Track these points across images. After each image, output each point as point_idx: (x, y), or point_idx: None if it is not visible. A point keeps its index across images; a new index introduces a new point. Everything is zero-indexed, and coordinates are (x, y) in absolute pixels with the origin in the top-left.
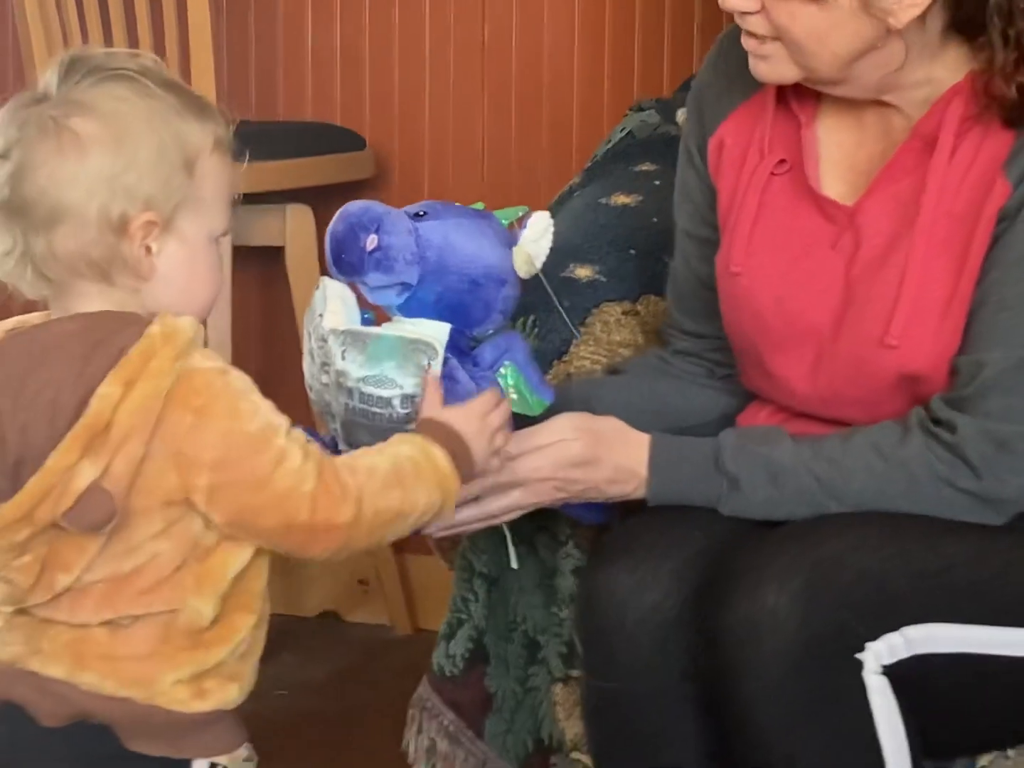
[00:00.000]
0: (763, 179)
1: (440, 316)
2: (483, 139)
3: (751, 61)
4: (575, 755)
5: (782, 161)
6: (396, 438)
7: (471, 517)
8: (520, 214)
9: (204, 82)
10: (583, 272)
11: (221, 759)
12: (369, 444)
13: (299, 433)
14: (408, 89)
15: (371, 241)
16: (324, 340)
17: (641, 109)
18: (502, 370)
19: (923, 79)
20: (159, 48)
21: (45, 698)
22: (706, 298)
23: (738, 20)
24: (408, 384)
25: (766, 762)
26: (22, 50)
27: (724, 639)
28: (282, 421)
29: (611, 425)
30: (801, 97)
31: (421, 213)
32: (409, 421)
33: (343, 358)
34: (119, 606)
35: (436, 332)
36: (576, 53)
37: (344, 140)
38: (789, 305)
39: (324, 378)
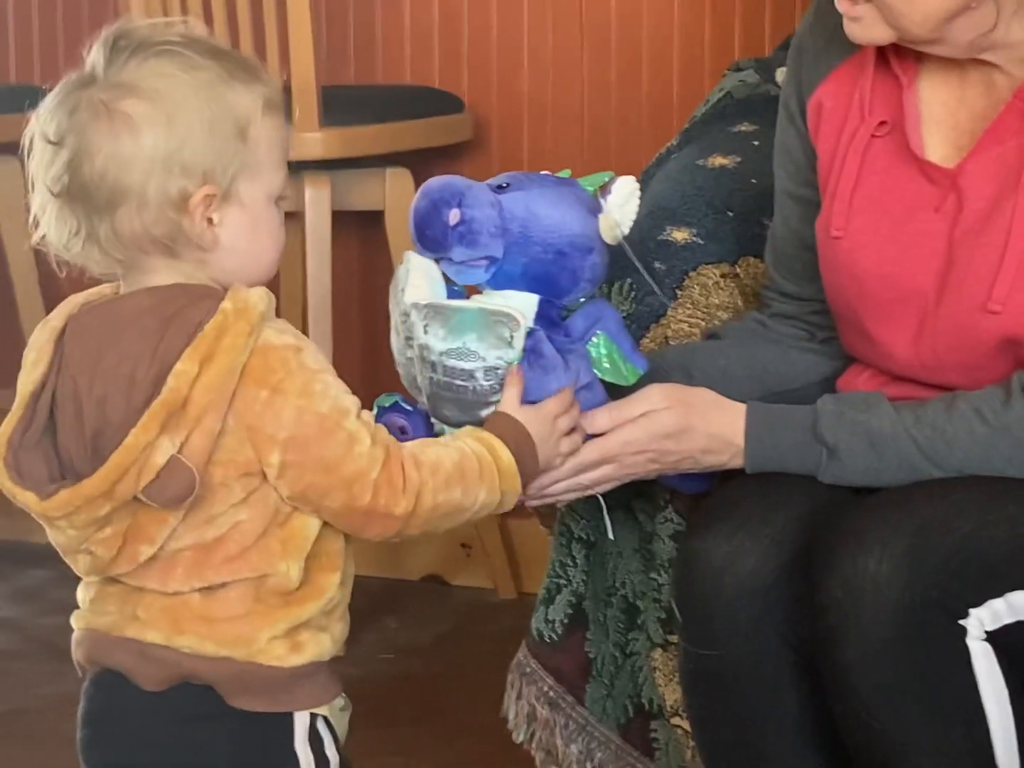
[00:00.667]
0: (864, 141)
1: (527, 287)
2: (582, 101)
3: (845, 23)
4: (675, 720)
5: (883, 123)
6: (466, 431)
7: (564, 488)
8: (606, 179)
9: (303, 47)
10: (680, 235)
11: (320, 710)
12: (455, 417)
13: (369, 416)
14: (506, 51)
15: (454, 215)
16: (407, 314)
17: (739, 69)
18: (594, 339)
19: (1022, 38)
20: (257, 14)
21: (146, 663)
22: (806, 260)
23: None
24: (491, 356)
25: (867, 728)
26: (120, 12)
27: (825, 604)
28: (353, 403)
29: (703, 394)
30: (902, 57)
31: (504, 185)
32: (493, 393)
33: (425, 332)
34: (207, 574)
35: (522, 304)
36: (676, 12)
37: (442, 103)
38: (891, 269)
39: (409, 352)
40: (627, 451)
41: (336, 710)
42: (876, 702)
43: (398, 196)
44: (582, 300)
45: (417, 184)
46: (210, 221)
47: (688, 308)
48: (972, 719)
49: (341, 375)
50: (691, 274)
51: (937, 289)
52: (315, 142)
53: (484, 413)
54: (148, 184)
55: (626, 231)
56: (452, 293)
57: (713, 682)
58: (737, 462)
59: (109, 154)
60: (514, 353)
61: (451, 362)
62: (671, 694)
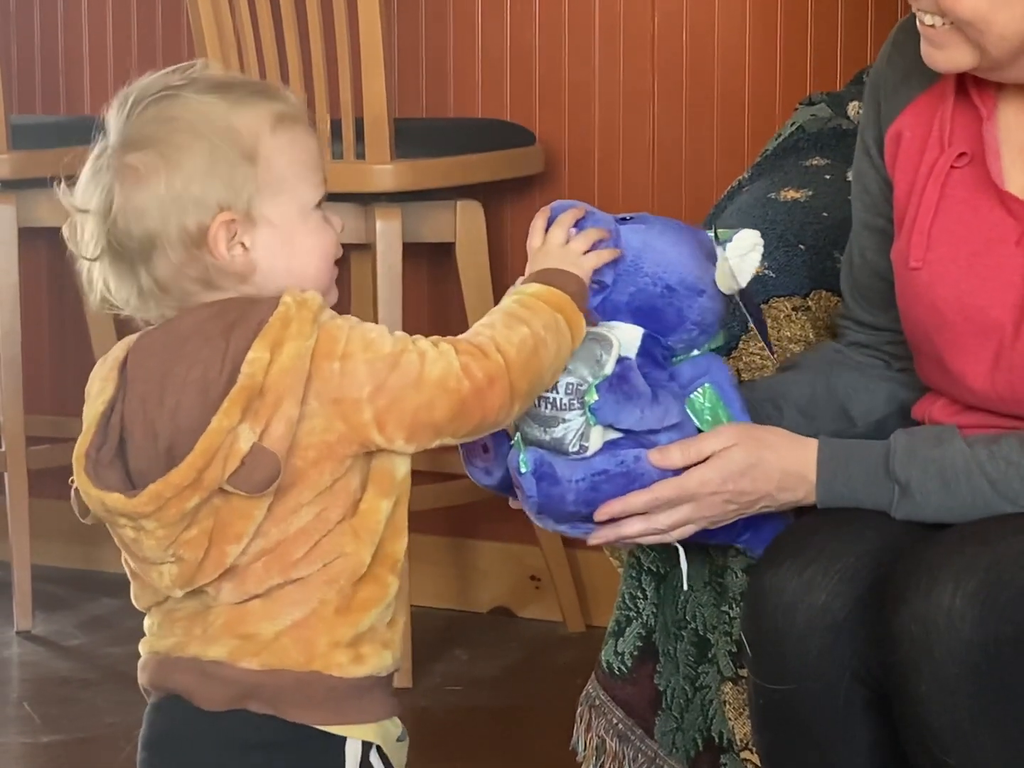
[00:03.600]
0: (943, 172)
1: (633, 319)
2: (653, 133)
3: (926, 51)
4: (745, 755)
5: (962, 154)
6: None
7: (638, 532)
8: (734, 234)
9: (375, 80)
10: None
11: (375, 738)
12: (530, 432)
13: (421, 337)
14: (578, 84)
15: (569, 235)
16: None
17: (812, 103)
18: (699, 390)
19: None
20: (330, 48)
21: (207, 682)
22: (882, 289)
23: (912, 3)
24: (577, 373)
25: (940, 764)
26: (196, 53)
27: (898, 638)
28: (405, 336)
29: (773, 431)
30: (981, 88)
31: (627, 217)
32: (570, 410)
33: None
34: (287, 569)
35: (624, 333)
36: (748, 46)
37: (514, 136)
38: (969, 301)
39: None
40: (704, 491)
41: (392, 740)
42: (948, 737)
43: (468, 228)
44: (695, 352)
45: (488, 216)
46: (244, 247)
47: (760, 341)
48: None
49: None
50: (763, 307)
51: (1015, 322)
52: (386, 174)
53: (558, 431)
54: (168, 226)
55: (743, 283)
56: None
57: (783, 717)
58: (811, 498)
59: (127, 209)
60: (601, 373)
61: None
62: (741, 728)
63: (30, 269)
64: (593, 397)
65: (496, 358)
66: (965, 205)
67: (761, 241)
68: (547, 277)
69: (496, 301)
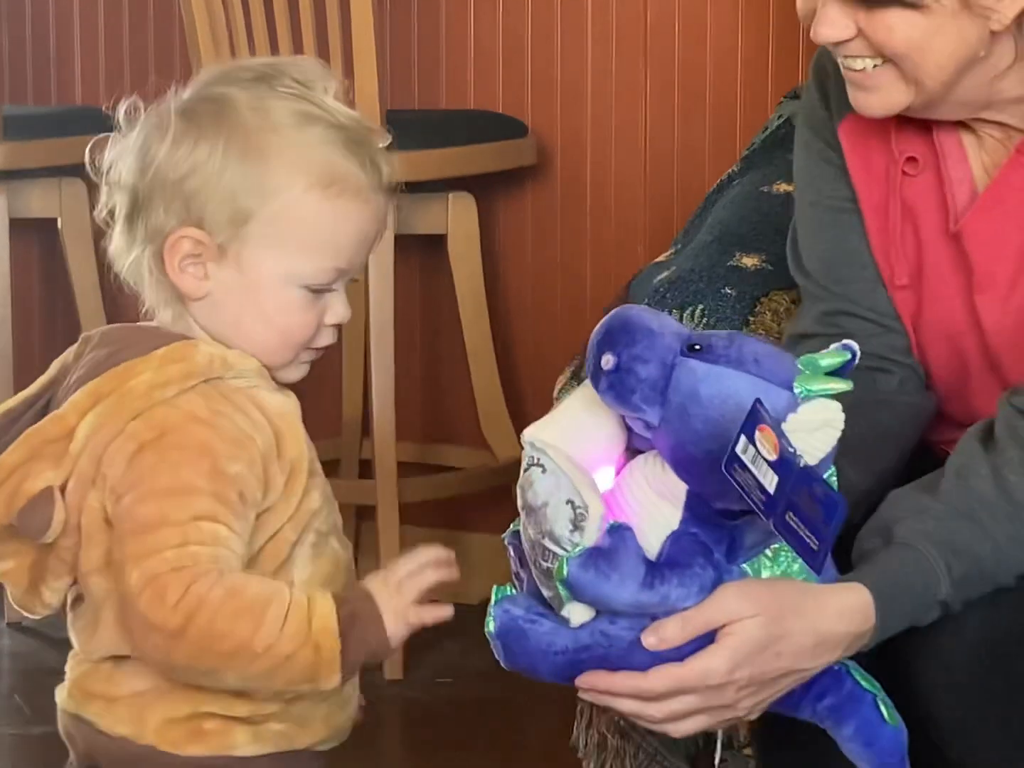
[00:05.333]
0: (897, 179)
1: (676, 471)
2: (645, 126)
3: (857, 97)
4: (747, 751)
5: (911, 159)
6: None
7: (630, 710)
8: (830, 387)
9: (367, 71)
10: (749, 261)
11: None
12: (527, 577)
13: (207, 528)
14: (570, 76)
15: (606, 360)
16: (523, 444)
17: (797, 96)
18: (769, 552)
19: (1021, 93)
20: (322, 39)
21: (72, 736)
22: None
23: (835, 53)
24: (557, 528)
25: (945, 759)
26: (188, 47)
27: (904, 640)
28: (201, 506)
29: (791, 587)
30: None
31: (699, 347)
32: (546, 575)
33: (525, 470)
34: (108, 639)
35: (672, 489)
36: (740, 39)
37: (506, 127)
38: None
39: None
40: (709, 683)
41: None
42: (953, 733)
43: (460, 220)
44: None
45: (480, 208)
46: (205, 272)
47: (761, 333)
48: None
49: (400, 397)
50: (763, 300)
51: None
52: None
53: (548, 591)
54: (151, 201)
55: (809, 462)
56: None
57: (783, 721)
58: (852, 651)
59: (139, 160)
60: (579, 539)
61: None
62: (742, 725)
63: (21, 260)
64: (563, 573)
65: (173, 617)
66: (919, 220)
67: (839, 416)
68: (357, 612)
69: (488, 293)
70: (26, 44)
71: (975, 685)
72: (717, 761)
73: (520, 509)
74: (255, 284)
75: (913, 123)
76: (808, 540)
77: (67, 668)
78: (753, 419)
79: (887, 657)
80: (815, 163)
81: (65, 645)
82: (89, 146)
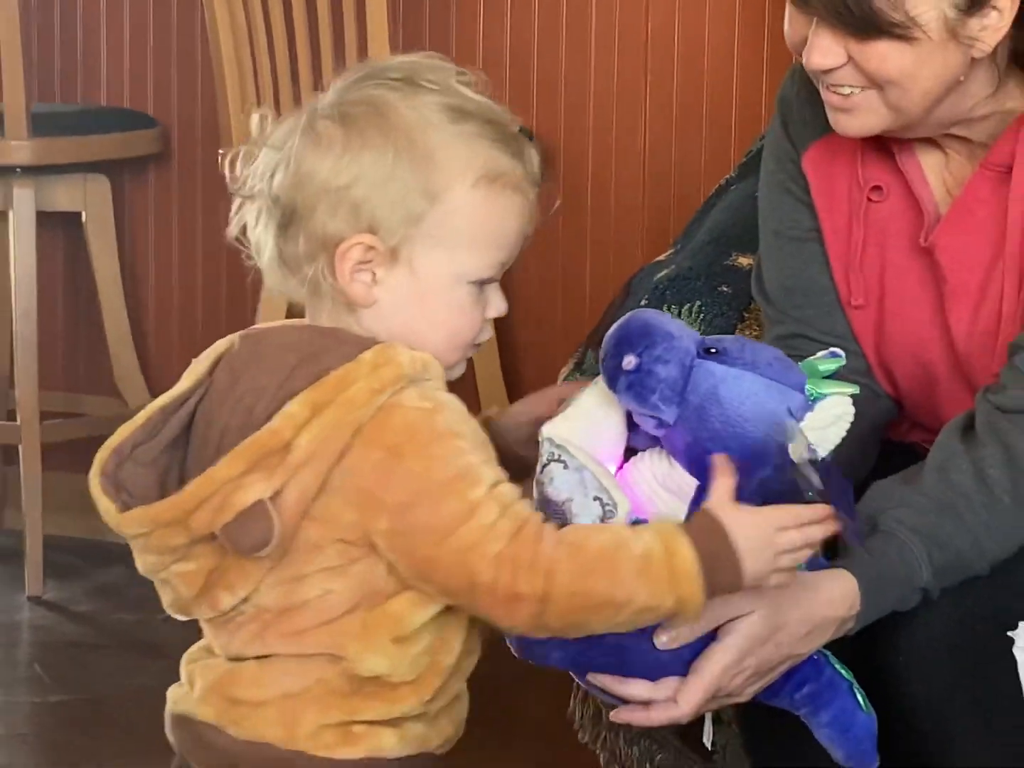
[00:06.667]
0: (862, 207)
1: (688, 467)
2: (645, 132)
3: (837, 119)
4: (734, 726)
5: (876, 187)
6: (652, 523)
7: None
8: (840, 390)
9: None
10: (745, 260)
11: None
12: None
13: (509, 489)
14: (573, 85)
15: (628, 362)
16: (541, 441)
17: None
18: None
19: (991, 111)
20: (339, 46)
21: (198, 747)
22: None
23: (822, 78)
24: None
25: (919, 733)
26: (210, 45)
27: (877, 621)
28: (489, 475)
29: (796, 578)
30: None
31: (715, 350)
32: None
33: (542, 470)
34: (274, 641)
35: (680, 485)
36: (736, 48)
37: None
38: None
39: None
40: (726, 679)
41: None
42: (927, 708)
43: None
44: None
45: None
46: (373, 277)
47: (755, 329)
48: (1018, 728)
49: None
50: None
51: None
52: None
53: None
54: (313, 213)
55: (822, 454)
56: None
57: None
58: (839, 635)
59: (293, 170)
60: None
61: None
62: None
63: (47, 251)
64: None
65: (533, 582)
66: (886, 242)
67: (850, 410)
68: (717, 554)
69: None
70: (54, 46)
71: (945, 665)
72: (709, 740)
73: (537, 503)
74: (426, 286)
75: (876, 152)
76: (852, 524)
77: (188, 672)
78: (790, 425)
79: (861, 638)
80: (778, 194)
81: (82, 619)
82: (227, 159)
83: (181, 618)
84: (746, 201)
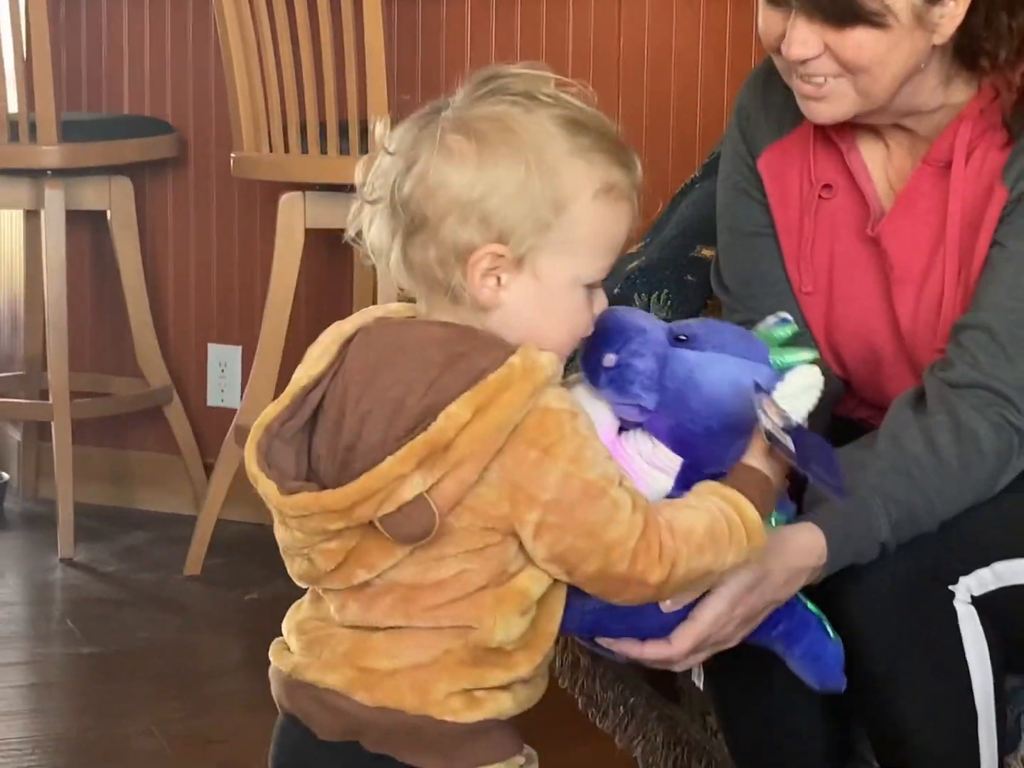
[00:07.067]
0: (813, 203)
1: (672, 446)
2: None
3: (808, 106)
4: (695, 673)
5: (827, 186)
6: (710, 488)
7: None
8: (802, 357)
9: (376, 83)
10: (708, 252)
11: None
12: None
13: (631, 483)
14: None
15: (608, 360)
16: None
17: None
18: None
19: (938, 104)
20: (339, 55)
21: (322, 710)
22: (782, 292)
23: (797, 69)
24: None
25: (869, 676)
26: (223, 57)
27: (835, 574)
28: (616, 471)
29: (773, 533)
30: (837, 126)
31: (684, 337)
32: None
33: None
34: (412, 614)
35: (665, 462)
36: (700, 62)
37: None
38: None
39: None
40: (717, 627)
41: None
42: (876, 654)
43: None
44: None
45: None
46: (499, 280)
47: (717, 315)
48: (957, 673)
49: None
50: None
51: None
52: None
53: None
54: (443, 222)
55: (796, 421)
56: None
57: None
58: (809, 581)
59: (422, 180)
60: None
61: None
62: None
63: (76, 246)
64: None
65: (662, 571)
66: (835, 235)
67: (820, 378)
68: (768, 503)
69: None
70: (81, 59)
71: (894, 616)
72: (700, 680)
73: None
74: (547, 289)
75: (826, 152)
76: (832, 481)
77: (308, 642)
78: (759, 398)
79: (822, 591)
80: (734, 195)
81: (109, 578)
82: (359, 166)
83: (306, 586)
84: (710, 198)
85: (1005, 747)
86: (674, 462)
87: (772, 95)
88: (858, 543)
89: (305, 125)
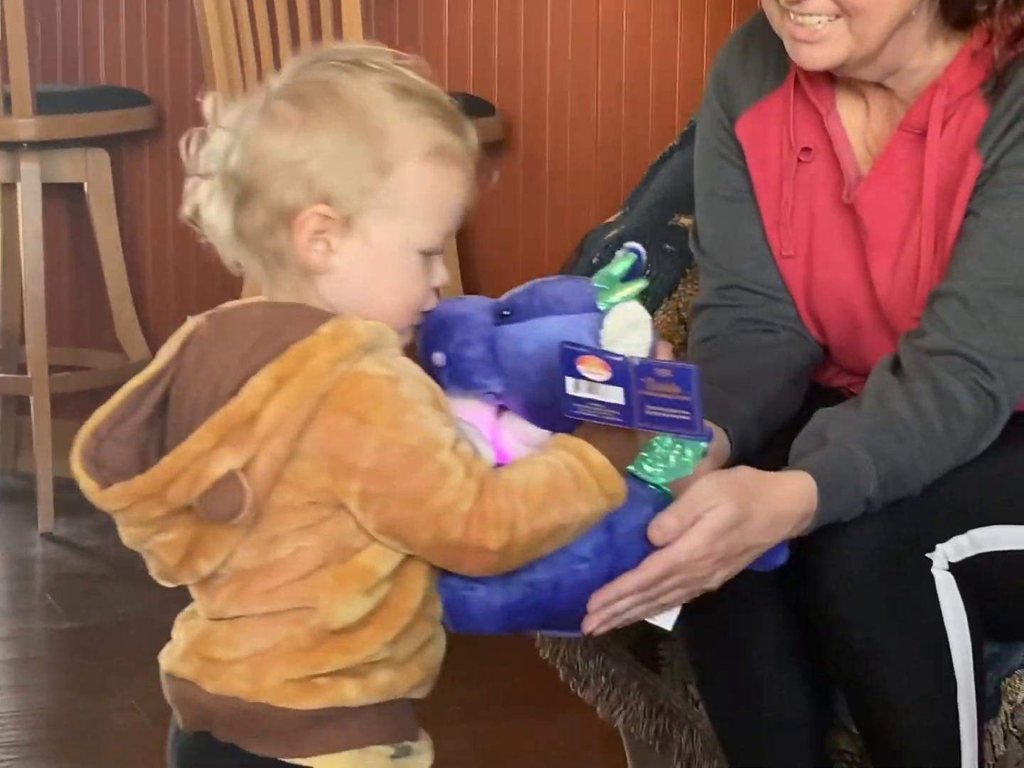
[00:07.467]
0: (792, 167)
1: (536, 422)
2: (597, 106)
3: (800, 50)
4: (680, 642)
5: (806, 149)
6: (553, 442)
7: (630, 604)
8: (623, 294)
9: None
10: (687, 221)
11: (347, 767)
12: None
13: (467, 448)
14: (532, 63)
15: (437, 359)
16: None
17: None
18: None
19: (919, 65)
20: (316, 26)
21: (178, 700)
22: (760, 257)
23: (793, 10)
24: None
25: (847, 644)
26: (198, 29)
27: (809, 539)
28: (450, 436)
29: (756, 477)
30: (817, 89)
31: (506, 313)
32: None
33: None
34: (247, 600)
35: (536, 439)
36: (679, 30)
37: (475, 106)
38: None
39: None
40: (694, 559)
41: (384, 759)
42: (854, 622)
43: None
44: None
45: None
46: (328, 246)
47: (696, 283)
48: (936, 640)
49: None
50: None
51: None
52: None
53: None
54: (270, 186)
55: (641, 356)
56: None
57: (706, 612)
58: (797, 532)
59: (248, 147)
60: None
61: None
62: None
63: (53, 219)
64: None
65: (501, 536)
66: (814, 198)
67: (641, 313)
68: (617, 444)
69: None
70: (56, 28)
71: (872, 583)
72: (671, 625)
73: None
74: (379, 253)
75: (806, 115)
76: (678, 417)
77: (177, 633)
78: (567, 360)
79: (799, 557)
80: (713, 159)
81: (90, 553)
82: (184, 140)
83: (168, 585)
84: (688, 167)
85: (985, 714)
86: (544, 436)
87: (751, 58)
88: (846, 496)
89: None
